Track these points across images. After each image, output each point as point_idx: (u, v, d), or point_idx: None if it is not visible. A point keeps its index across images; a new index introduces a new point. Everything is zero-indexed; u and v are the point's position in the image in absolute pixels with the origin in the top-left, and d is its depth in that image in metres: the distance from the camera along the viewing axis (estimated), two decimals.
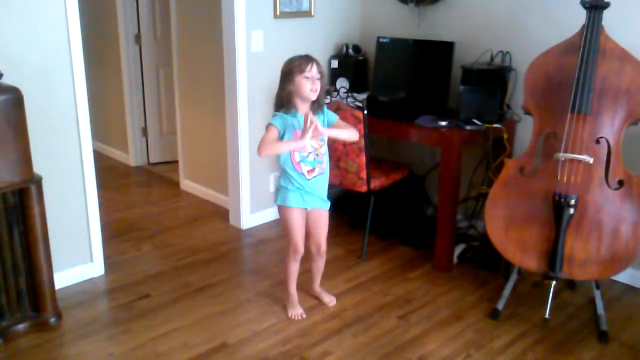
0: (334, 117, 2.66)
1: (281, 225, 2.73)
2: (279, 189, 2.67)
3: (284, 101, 2.53)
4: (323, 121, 2.58)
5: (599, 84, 2.56)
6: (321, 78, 2.51)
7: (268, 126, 2.52)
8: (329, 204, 2.72)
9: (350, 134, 2.62)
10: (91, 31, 4.83)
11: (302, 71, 2.46)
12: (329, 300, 2.92)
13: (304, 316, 2.81)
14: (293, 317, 2.80)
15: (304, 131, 2.41)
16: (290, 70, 2.49)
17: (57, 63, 2.81)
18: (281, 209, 2.69)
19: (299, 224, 2.67)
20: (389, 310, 2.89)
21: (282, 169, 2.63)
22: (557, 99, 2.64)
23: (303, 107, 2.53)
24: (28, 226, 2.55)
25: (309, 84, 2.46)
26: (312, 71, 2.46)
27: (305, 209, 2.68)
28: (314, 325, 2.76)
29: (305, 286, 3.00)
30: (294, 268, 2.79)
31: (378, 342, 2.63)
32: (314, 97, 2.49)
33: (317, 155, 2.59)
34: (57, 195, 2.90)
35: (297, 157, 2.57)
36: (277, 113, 2.55)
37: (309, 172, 2.59)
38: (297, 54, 2.55)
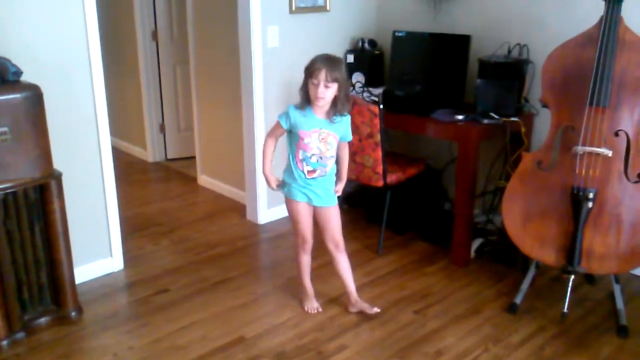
0: (347, 137, 2.62)
1: (289, 217, 2.74)
2: (284, 182, 2.66)
3: (301, 96, 2.53)
4: (337, 130, 2.54)
5: (617, 76, 2.52)
6: (336, 84, 2.43)
7: (277, 120, 2.56)
8: (335, 200, 2.68)
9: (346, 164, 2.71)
10: (109, 29, 4.87)
11: (310, 76, 2.44)
12: (372, 310, 2.75)
13: (320, 310, 2.82)
14: (309, 311, 2.81)
15: (270, 181, 2.63)
16: (305, 70, 2.48)
17: (76, 61, 2.84)
18: (287, 202, 2.69)
19: (304, 214, 2.66)
20: (405, 304, 2.89)
21: (287, 162, 2.62)
22: (575, 92, 2.61)
23: (317, 108, 2.50)
24: (48, 222, 2.59)
25: (314, 90, 2.44)
26: (319, 77, 2.40)
27: (311, 204, 2.66)
28: (330, 319, 2.77)
29: (321, 280, 3.01)
30: (305, 260, 2.79)
31: (395, 337, 2.63)
32: (319, 103, 2.46)
33: (320, 158, 2.54)
34: (77, 191, 2.93)
35: (300, 155, 2.54)
36: (291, 107, 2.53)
37: (309, 172, 2.56)
38: (324, 53, 2.52)
